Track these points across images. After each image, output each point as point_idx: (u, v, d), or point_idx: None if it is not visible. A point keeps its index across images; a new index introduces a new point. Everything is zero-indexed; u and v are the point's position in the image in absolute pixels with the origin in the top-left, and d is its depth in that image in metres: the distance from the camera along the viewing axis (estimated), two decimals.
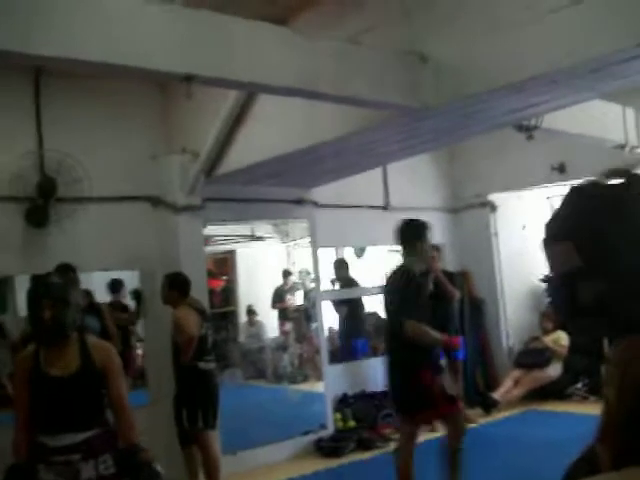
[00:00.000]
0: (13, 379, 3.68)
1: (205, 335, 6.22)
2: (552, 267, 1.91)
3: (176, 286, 6.18)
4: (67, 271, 5.81)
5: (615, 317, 1.68)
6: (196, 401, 6.06)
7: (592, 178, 1.91)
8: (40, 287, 3.59)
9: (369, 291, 9.99)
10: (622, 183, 1.80)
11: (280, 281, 11.02)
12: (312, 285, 8.68)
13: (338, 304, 9.60)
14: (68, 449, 3.39)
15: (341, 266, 9.72)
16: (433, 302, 8.20)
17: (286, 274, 10.95)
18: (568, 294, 1.79)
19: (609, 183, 1.84)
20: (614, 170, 1.86)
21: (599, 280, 1.72)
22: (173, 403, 6.16)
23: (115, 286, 7.46)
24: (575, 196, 1.86)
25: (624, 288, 1.70)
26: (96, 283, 7.09)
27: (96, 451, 3.45)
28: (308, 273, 8.87)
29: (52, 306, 3.42)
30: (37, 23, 3.47)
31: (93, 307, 6.30)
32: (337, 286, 9.59)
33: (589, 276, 1.74)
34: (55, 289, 3.52)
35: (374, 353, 9.98)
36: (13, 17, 3.39)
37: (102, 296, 7.25)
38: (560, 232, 1.82)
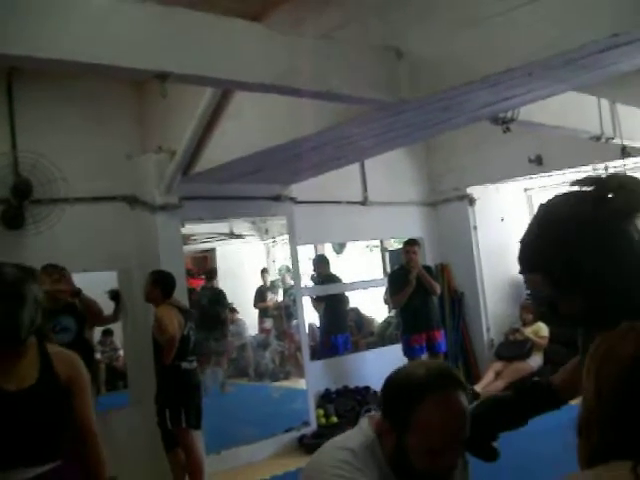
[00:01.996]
0: None
1: (188, 335, 6.18)
2: (529, 290, 2.00)
3: (160, 284, 6.14)
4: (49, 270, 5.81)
5: (595, 322, 1.68)
6: (179, 401, 6.03)
7: (560, 192, 1.84)
8: None
9: (350, 287, 10.00)
10: (592, 199, 1.75)
11: (259, 278, 10.99)
12: (292, 282, 8.66)
13: (318, 300, 9.60)
14: None
15: (322, 262, 9.72)
16: (416, 296, 8.29)
17: (264, 272, 10.91)
18: (548, 310, 1.78)
19: (577, 200, 1.79)
20: (582, 180, 1.81)
21: (577, 299, 1.72)
22: (155, 403, 6.13)
23: None
24: (543, 221, 1.82)
25: (603, 304, 1.69)
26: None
27: None
28: (288, 270, 8.85)
29: (1, 302, 2.64)
30: (7, 21, 3.42)
31: (69, 306, 6.18)
32: (317, 283, 9.59)
33: (566, 297, 1.73)
34: (6, 281, 2.72)
35: (356, 348, 10.01)
36: None
37: None
38: (530, 264, 1.79)
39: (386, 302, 8.70)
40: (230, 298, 11.56)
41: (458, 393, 1.88)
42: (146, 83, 6.84)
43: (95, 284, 7.21)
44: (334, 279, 9.78)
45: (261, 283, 11.02)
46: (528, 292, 9.46)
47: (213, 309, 10.57)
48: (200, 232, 10.21)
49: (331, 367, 8.90)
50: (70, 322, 6.07)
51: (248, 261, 11.16)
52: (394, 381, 1.99)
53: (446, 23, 4.52)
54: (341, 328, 9.85)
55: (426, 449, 1.85)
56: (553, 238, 1.72)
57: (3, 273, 2.73)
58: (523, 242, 1.82)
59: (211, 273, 10.89)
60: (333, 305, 9.79)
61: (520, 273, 1.82)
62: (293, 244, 8.18)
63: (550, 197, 1.84)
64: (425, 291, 8.36)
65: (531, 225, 1.82)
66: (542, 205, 1.83)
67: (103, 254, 6.81)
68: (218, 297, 10.74)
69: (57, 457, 2.68)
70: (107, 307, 7.16)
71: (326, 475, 1.90)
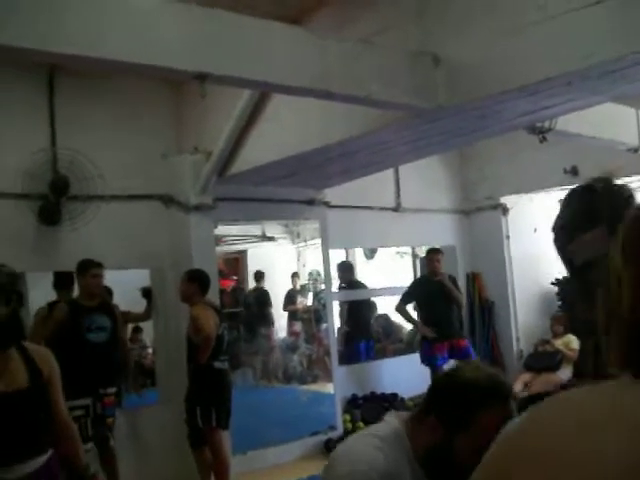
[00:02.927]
0: None
1: (222, 334, 6.23)
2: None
3: (196, 280, 6.18)
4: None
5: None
6: (210, 400, 6.07)
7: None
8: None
9: (378, 293, 9.99)
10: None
11: (289, 282, 11.05)
12: (322, 286, 8.68)
13: (343, 306, 9.60)
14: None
15: (345, 268, 9.72)
16: (439, 305, 8.24)
17: (294, 276, 10.97)
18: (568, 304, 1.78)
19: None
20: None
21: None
22: (186, 402, 6.16)
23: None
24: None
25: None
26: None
27: (52, 474, 2.90)
28: (319, 274, 8.87)
29: (7, 300, 2.75)
30: (54, 21, 3.49)
31: (104, 306, 6.23)
32: (340, 289, 9.59)
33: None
34: (14, 279, 2.88)
35: (384, 355, 9.99)
36: (31, 15, 3.41)
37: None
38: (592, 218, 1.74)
39: (396, 309, 8.60)
40: None
41: (512, 402, 1.99)
42: (184, 83, 6.90)
43: (128, 281, 7.30)
44: (358, 285, 9.78)
45: (291, 286, 11.07)
46: (559, 304, 9.40)
47: (260, 310, 10.75)
48: (232, 233, 10.28)
49: (358, 372, 8.89)
50: (105, 321, 6.10)
51: (279, 264, 11.22)
52: (452, 382, 2.06)
53: (485, 30, 4.51)
54: (365, 334, 9.85)
55: (477, 449, 1.88)
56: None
57: (5, 274, 2.81)
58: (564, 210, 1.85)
59: (259, 275, 11.06)
60: (358, 311, 9.79)
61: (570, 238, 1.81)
62: (325, 248, 8.19)
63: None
64: (448, 300, 8.31)
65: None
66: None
67: (136, 252, 6.87)
68: (265, 298, 10.93)
69: (48, 448, 2.89)
70: (139, 304, 7.25)
71: (353, 451, 1.97)
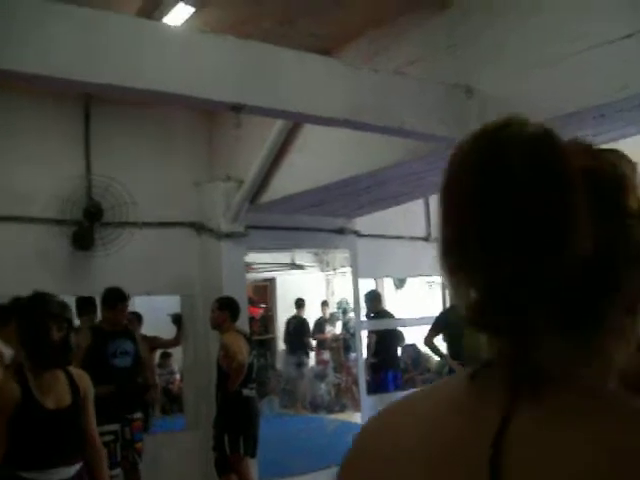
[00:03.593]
0: None
1: (252, 362, 6.24)
2: None
3: (227, 307, 6.18)
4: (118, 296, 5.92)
5: None
6: (238, 428, 6.06)
7: None
8: (49, 305, 3.30)
9: (407, 322, 9.94)
10: None
11: (318, 309, 11.05)
12: (351, 315, 8.66)
13: (370, 336, 9.56)
14: None
15: (373, 298, 9.69)
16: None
17: (324, 304, 10.97)
18: None
19: None
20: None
21: None
22: (214, 429, 6.16)
23: None
24: None
25: None
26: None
27: None
28: (347, 303, 8.86)
29: (60, 327, 3.23)
30: (92, 52, 3.56)
31: (127, 330, 6.23)
32: (369, 318, 9.56)
33: None
34: (67, 309, 3.38)
35: (412, 385, 9.91)
36: (70, 46, 3.48)
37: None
38: None
39: (425, 342, 8.54)
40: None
41: None
42: (216, 112, 6.99)
43: (158, 308, 7.36)
44: (386, 315, 9.74)
45: (320, 315, 11.07)
46: None
47: (299, 337, 10.80)
48: (261, 261, 10.31)
49: (386, 402, 8.73)
50: (129, 346, 6.10)
51: (307, 292, 11.22)
52: None
53: (517, 62, 4.52)
54: (392, 364, 9.79)
55: None
56: None
57: (61, 303, 3.38)
58: None
59: (299, 303, 11.11)
60: (385, 341, 9.74)
61: None
62: (355, 277, 8.19)
63: None
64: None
65: None
66: None
67: (168, 278, 6.92)
68: (303, 326, 11.00)
69: (81, 459, 3.33)
70: (169, 331, 7.29)
71: None
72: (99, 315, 6.52)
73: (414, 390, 0.95)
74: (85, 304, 6.62)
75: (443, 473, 0.77)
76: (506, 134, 0.78)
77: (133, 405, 6.00)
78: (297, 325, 11.09)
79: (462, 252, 0.79)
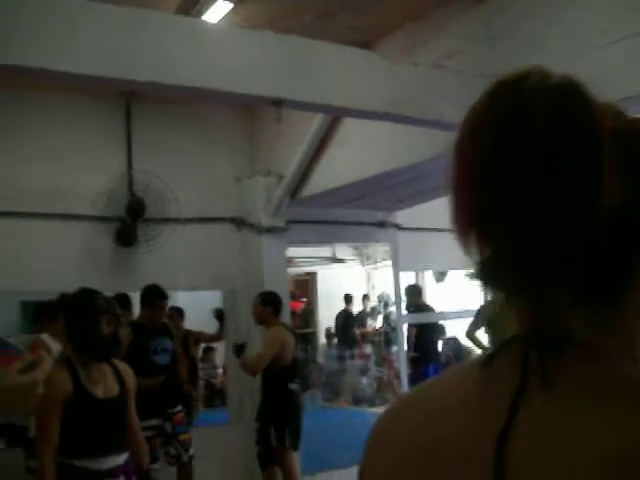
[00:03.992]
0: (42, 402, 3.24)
1: (296, 357, 6.25)
2: None
3: (270, 303, 6.19)
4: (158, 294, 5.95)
5: None
6: (284, 421, 6.08)
7: None
8: (99, 301, 3.48)
9: (448, 316, 9.89)
10: None
11: (359, 303, 11.06)
12: (392, 308, 8.64)
13: (410, 330, 9.54)
14: (113, 472, 3.33)
15: (414, 292, 9.66)
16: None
17: (365, 298, 10.97)
18: None
19: None
20: None
21: None
22: (259, 422, 6.19)
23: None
24: None
25: None
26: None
27: (130, 472, 3.44)
28: (388, 296, 8.84)
29: (109, 322, 3.41)
30: (132, 50, 3.59)
31: (165, 327, 6.20)
32: (409, 312, 9.54)
33: None
34: (115, 304, 3.58)
35: None
36: (110, 44, 3.52)
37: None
38: None
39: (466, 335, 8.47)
40: (328, 322, 11.67)
41: None
42: (257, 107, 7.01)
43: (200, 302, 7.41)
44: (426, 309, 9.70)
45: (361, 308, 11.08)
46: None
47: (346, 331, 10.87)
48: (302, 255, 10.33)
49: None
50: (168, 343, 6.09)
51: (348, 286, 11.23)
52: None
53: (556, 54, 4.46)
54: (433, 358, 9.75)
55: None
56: None
57: (111, 299, 3.67)
58: None
59: (348, 298, 11.17)
60: (426, 334, 9.71)
61: None
62: (396, 270, 8.16)
63: None
64: None
65: None
66: None
67: (209, 273, 6.96)
68: (351, 320, 11.07)
69: (128, 449, 3.48)
70: (211, 325, 7.34)
71: None
72: (135, 312, 6.60)
73: (428, 380, 0.88)
74: (120, 301, 6.69)
75: (453, 471, 0.72)
76: (527, 86, 0.72)
77: (172, 400, 6.04)
78: (345, 319, 11.17)
79: (478, 210, 0.75)
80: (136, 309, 6.65)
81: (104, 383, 3.39)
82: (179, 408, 6.09)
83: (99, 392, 3.34)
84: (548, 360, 0.71)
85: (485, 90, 0.75)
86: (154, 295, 6.00)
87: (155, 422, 5.80)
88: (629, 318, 0.74)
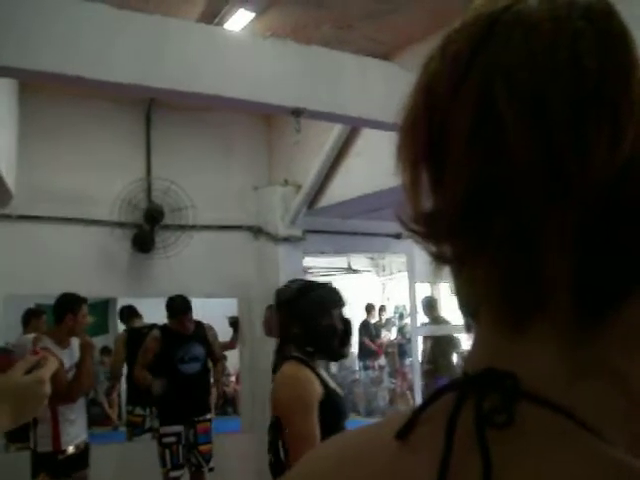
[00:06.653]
0: (305, 411, 2.82)
1: None
2: None
3: None
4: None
5: None
6: None
7: None
8: (334, 295, 2.97)
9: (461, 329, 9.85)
10: None
11: (374, 315, 11.05)
12: (407, 320, 8.63)
13: (425, 342, 9.52)
14: None
15: (429, 305, 9.63)
16: None
17: (381, 309, 10.96)
18: None
19: None
20: None
21: None
22: (270, 431, 6.17)
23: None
24: None
25: None
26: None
27: None
28: (405, 308, 8.83)
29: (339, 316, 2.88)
30: (153, 57, 3.62)
31: (198, 333, 6.01)
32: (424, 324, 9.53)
33: None
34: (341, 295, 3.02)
35: None
36: (132, 52, 3.55)
37: None
38: None
39: None
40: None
41: None
42: (275, 117, 7.03)
43: (216, 310, 7.41)
44: (442, 321, 9.68)
45: (376, 319, 11.07)
46: None
47: (363, 342, 10.89)
48: (317, 265, 10.34)
49: None
50: (199, 350, 5.94)
51: (363, 296, 11.22)
52: None
53: None
54: (447, 370, 9.71)
55: None
56: None
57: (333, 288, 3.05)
58: None
59: (369, 307, 11.18)
60: (440, 347, 9.68)
61: None
62: (412, 282, 8.14)
63: None
64: None
65: None
66: None
67: (225, 281, 6.98)
68: (367, 330, 11.09)
69: None
70: (226, 333, 7.35)
71: None
72: (143, 321, 6.61)
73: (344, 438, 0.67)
74: (128, 313, 6.74)
75: None
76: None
77: (201, 408, 5.94)
78: (361, 330, 11.18)
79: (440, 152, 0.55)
80: (148, 316, 6.70)
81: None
82: (207, 417, 5.99)
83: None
84: (487, 431, 0.49)
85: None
86: (178, 308, 5.80)
87: (178, 429, 5.75)
88: (613, 353, 0.51)
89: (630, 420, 0.50)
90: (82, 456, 5.10)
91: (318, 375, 2.82)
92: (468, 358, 0.56)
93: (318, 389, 2.78)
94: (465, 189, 0.51)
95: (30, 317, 6.50)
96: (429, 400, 0.55)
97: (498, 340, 0.52)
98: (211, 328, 6.25)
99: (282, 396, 2.90)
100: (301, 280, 3.23)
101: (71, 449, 5.00)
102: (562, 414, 0.48)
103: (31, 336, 5.44)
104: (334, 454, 0.61)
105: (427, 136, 0.55)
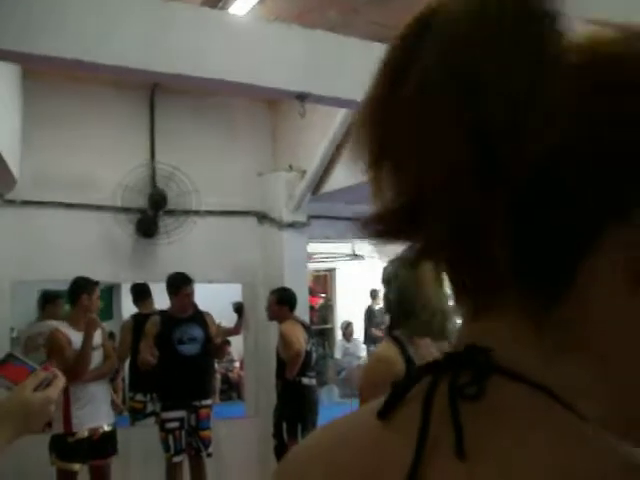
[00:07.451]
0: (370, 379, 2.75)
1: (310, 351, 6.22)
2: None
3: (286, 302, 6.14)
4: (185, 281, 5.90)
5: None
6: (297, 415, 6.06)
7: None
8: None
9: None
10: None
11: (379, 302, 11.06)
12: None
13: None
14: None
15: None
16: None
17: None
18: None
19: None
20: None
21: None
22: (274, 416, 6.19)
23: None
24: None
25: None
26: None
27: None
28: None
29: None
30: (157, 42, 3.59)
31: (196, 316, 6.02)
32: None
33: None
34: None
35: None
36: (135, 35, 3.52)
37: None
38: None
39: None
40: (346, 317, 11.66)
41: None
42: (279, 102, 7.00)
43: (220, 295, 7.41)
44: None
45: (380, 306, 11.06)
46: None
47: (369, 328, 10.93)
48: (322, 251, 10.33)
49: None
50: (197, 331, 5.95)
51: (367, 282, 11.21)
52: None
53: None
54: None
55: None
56: None
57: None
58: None
59: (373, 293, 11.22)
60: None
61: None
62: None
63: None
64: None
65: None
66: None
67: (229, 267, 6.97)
68: (372, 316, 11.14)
69: None
70: (230, 319, 7.34)
71: None
72: (155, 302, 6.62)
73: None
74: (140, 291, 6.71)
75: None
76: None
77: (202, 392, 5.97)
78: (366, 315, 11.20)
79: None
80: (156, 301, 6.69)
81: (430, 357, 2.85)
82: (208, 402, 6.00)
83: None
84: (460, 404, 0.50)
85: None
86: (178, 282, 5.89)
87: (180, 414, 5.77)
88: (591, 334, 0.50)
89: (614, 405, 0.51)
90: (101, 444, 5.08)
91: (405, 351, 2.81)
92: (454, 341, 0.57)
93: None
94: (407, 189, 0.52)
95: (45, 302, 6.50)
96: (412, 381, 0.56)
97: (470, 324, 0.55)
98: (209, 314, 6.24)
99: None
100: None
101: (84, 433, 4.97)
102: (536, 388, 0.49)
103: (49, 323, 5.47)
104: (323, 441, 0.63)
105: (374, 136, 0.55)
